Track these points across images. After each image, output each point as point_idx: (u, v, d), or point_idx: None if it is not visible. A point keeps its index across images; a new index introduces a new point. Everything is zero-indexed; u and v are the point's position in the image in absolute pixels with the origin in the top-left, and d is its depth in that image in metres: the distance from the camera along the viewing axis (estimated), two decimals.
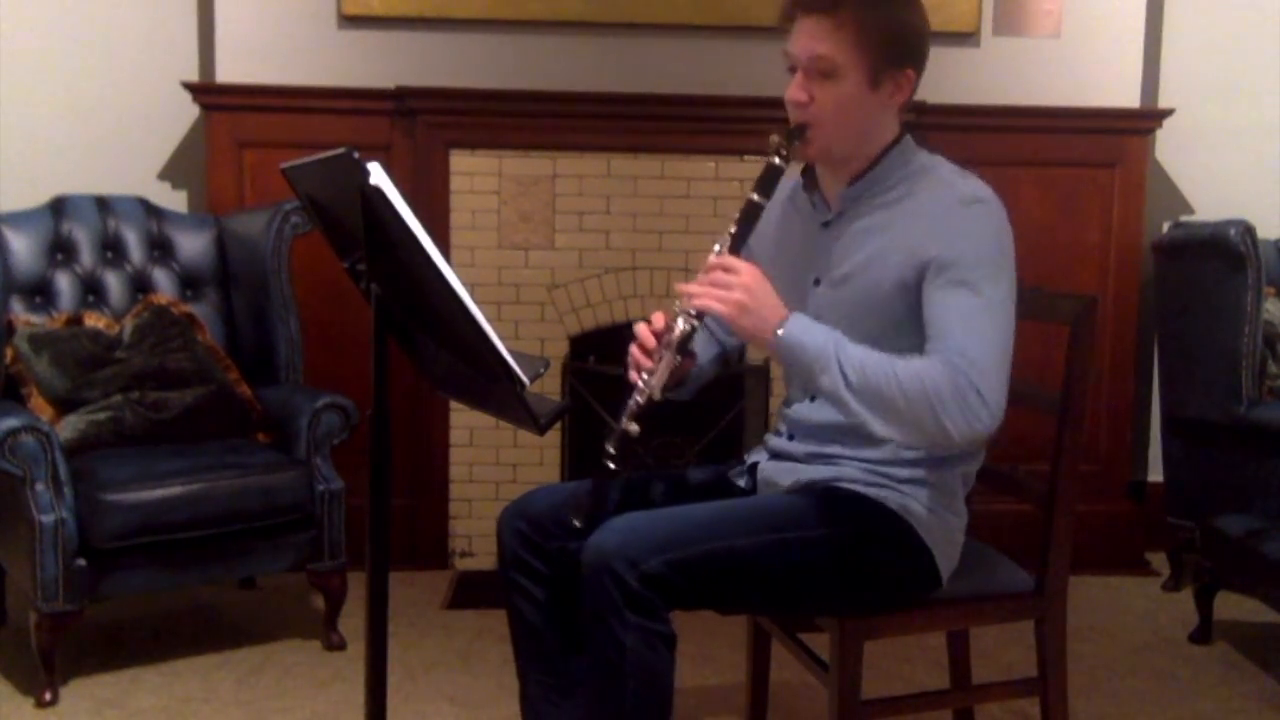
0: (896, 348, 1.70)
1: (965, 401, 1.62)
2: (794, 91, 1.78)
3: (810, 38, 1.75)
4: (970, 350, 1.64)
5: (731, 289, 1.69)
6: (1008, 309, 1.71)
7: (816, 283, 1.86)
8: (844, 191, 1.84)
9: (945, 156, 1.86)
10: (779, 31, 1.83)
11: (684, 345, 1.76)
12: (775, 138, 1.78)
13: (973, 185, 1.78)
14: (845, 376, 1.66)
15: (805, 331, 1.70)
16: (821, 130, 1.78)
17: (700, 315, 1.74)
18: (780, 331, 1.69)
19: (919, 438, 1.70)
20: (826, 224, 1.87)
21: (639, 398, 1.75)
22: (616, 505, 1.83)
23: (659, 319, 1.80)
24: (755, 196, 1.77)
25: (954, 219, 1.72)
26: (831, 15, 1.74)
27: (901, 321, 1.75)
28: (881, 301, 1.77)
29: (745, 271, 1.71)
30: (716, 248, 1.75)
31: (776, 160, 1.77)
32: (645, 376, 1.76)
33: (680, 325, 1.75)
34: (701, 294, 1.71)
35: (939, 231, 1.72)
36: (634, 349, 1.81)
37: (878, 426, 1.68)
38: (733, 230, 1.77)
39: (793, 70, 1.80)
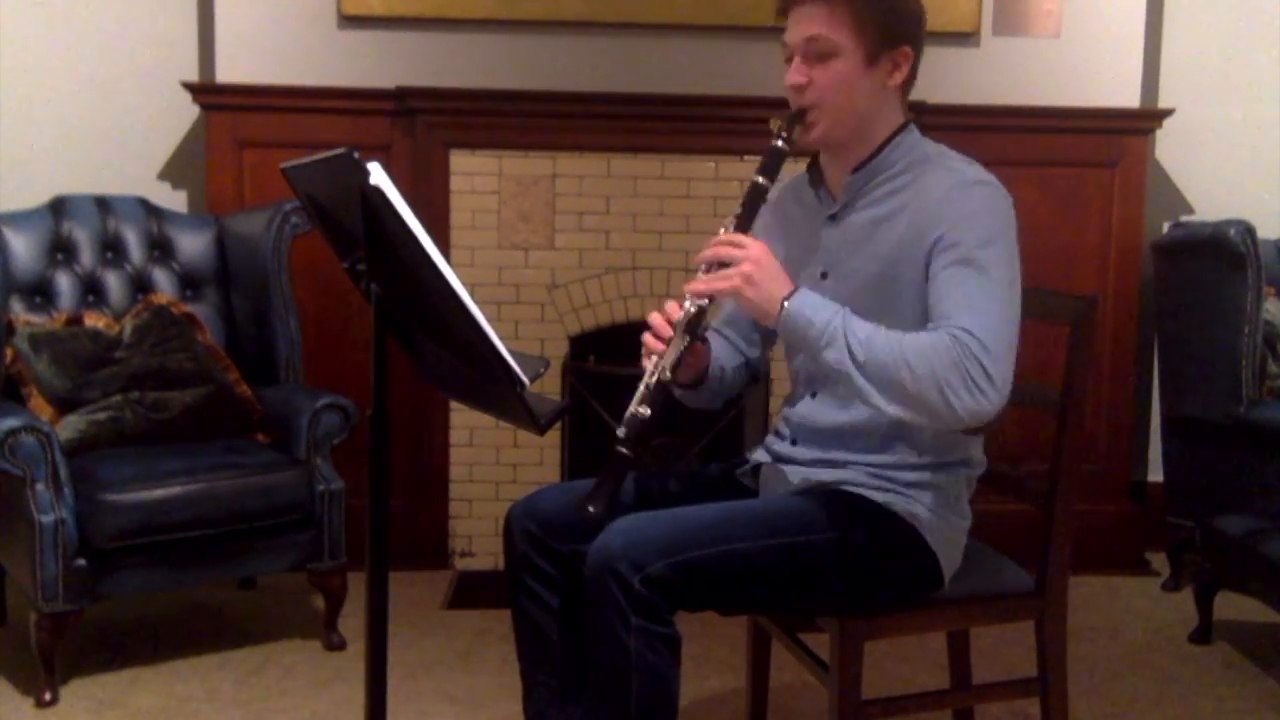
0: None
1: (972, 380, 1.60)
2: (792, 75, 1.80)
3: (805, 22, 1.78)
4: (977, 329, 1.63)
5: (739, 263, 1.69)
6: (1014, 289, 1.71)
7: (824, 276, 1.85)
8: (848, 179, 1.84)
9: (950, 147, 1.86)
10: (779, 31, 1.84)
11: (694, 326, 1.75)
12: (776, 122, 1.79)
13: (976, 170, 1.79)
14: (851, 351, 1.65)
15: (811, 306, 1.68)
16: (822, 112, 1.78)
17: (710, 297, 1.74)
18: (787, 304, 1.68)
19: (924, 415, 1.65)
20: (833, 216, 1.86)
21: (649, 379, 1.74)
22: (630, 501, 1.83)
23: (673, 307, 1.79)
24: (760, 179, 1.77)
25: (957, 200, 1.73)
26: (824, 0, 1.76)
27: (913, 316, 1.74)
28: (893, 295, 1.76)
29: (752, 245, 1.71)
30: (723, 231, 1.75)
31: (779, 143, 1.78)
32: (655, 358, 1.76)
33: (689, 306, 1.74)
34: (708, 278, 1.71)
35: (943, 213, 1.72)
36: (647, 336, 1.79)
37: (883, 403, 1.65)
38: (738, 212, 1.77)
39: (790, 61, 1.81)
